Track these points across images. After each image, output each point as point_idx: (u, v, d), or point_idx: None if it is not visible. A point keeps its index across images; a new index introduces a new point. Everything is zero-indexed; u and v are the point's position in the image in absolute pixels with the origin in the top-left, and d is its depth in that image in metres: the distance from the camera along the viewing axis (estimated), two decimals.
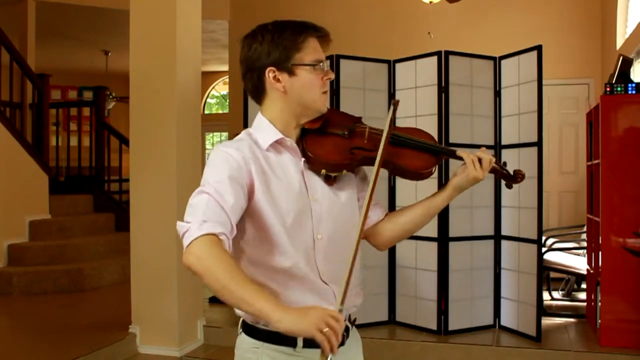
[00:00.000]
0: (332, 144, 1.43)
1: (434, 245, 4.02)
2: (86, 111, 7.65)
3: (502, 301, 4.14)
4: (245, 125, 4.10)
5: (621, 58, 4.02)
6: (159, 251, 3.93)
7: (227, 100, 9.57)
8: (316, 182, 1.42)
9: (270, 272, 1.37)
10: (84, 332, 4.04)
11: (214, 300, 5.09)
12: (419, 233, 4.48)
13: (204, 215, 1.26)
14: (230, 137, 1.54)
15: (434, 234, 4.01)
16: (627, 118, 3.77)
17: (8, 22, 6.49)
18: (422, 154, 1.49)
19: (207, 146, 12.65)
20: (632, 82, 3.86)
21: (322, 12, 6.90)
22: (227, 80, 9.14)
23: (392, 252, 4.26)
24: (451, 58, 4.06)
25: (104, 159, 7.00)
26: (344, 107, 4.12)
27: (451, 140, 4.02)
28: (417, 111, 4.15)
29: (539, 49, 3.84)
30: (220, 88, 12.17)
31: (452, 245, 4.04)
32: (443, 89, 4.04)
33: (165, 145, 3.92)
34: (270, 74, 1.39)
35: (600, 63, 6.15)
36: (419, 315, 4.14)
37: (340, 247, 1.42)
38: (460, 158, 1.49)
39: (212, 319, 4.39)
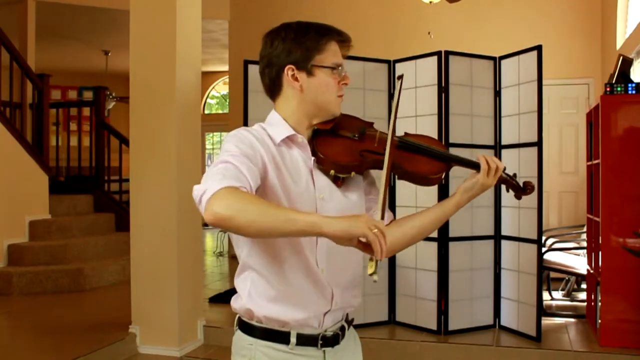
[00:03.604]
0: (342, 146, 1.45)
1: (434, 245, 4.03)
2: (86, 111, 7.65)
3: (502, 301, 4.14)
4: (246, 125, 4.09)
5: (621, 58, 4.02)
6: (159, 251, 3.93)
7: (227, 100, 9.57)
8: (324, 182, 1.42)
9: (276, 253, 1.36)
10: (84, 332, 4.04)
11: (214, 300, 5.09)
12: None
13: (223, 177, 1.21)
14: None
15: (434, 234, 4.01)
16: (627, 118, 3.77)
17: (8, 22, 6.49)
18: (432, 160, 1.50)
19: (207, 146, 12.66)
20: (632, 82, 3.86)
21: (322, 12, 6.90)
22: (227, 80, 9.14)
23: None
24: (451, 58, 4.06)
25: (104, 159, 7.00)
26: (344, 107, 4.11)
27: (451, 140, 4.02)
28: (417, 111, 4.15)
29: (539, 49, 3.84)
30: (220, 88, 12.18)
31: (452, 245, 4.04)
32: (443, 89, 4.04)
33: (165, 145, 3.92)
34: (289, 71, 1.40)
35: (600, 63, 6.15)
36: (419, 315, 4.14)
37: (344, 251, 1.40)
38: (475, 166, 1.48)
39: (212, 319, 4.39)
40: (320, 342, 1.41)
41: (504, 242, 4.14)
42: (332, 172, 1.42)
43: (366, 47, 5.76)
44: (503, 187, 1.58)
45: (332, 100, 1.44)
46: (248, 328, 1.41)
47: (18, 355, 3.62)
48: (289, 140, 1.41)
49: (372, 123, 1.54)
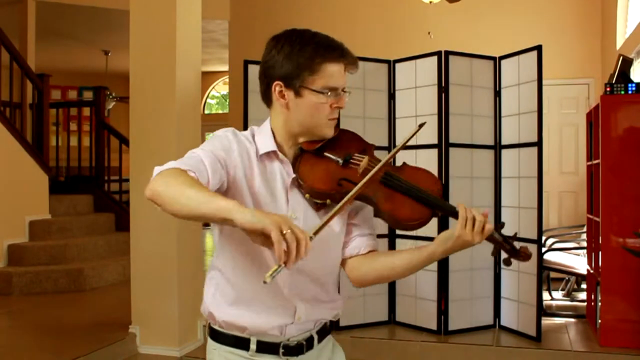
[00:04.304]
0: (323, 170, 1.34)
1: None
2: (86, 111, 7.65)
3: (502, 301, 4.13)
4: (245, 125, 4.09)
5: (621, 58, 4.02)
6: (159, 251, 3.92)
7: (227, 100, 9.57)
8: (300, 202, 1.35)
9: (236, 259, 1.36)
10: (84, 332, 4.04)
11: None
12: (419, 233, 4.46)
13: (180, 161, 1.22)
14: None
15: (434, 234, 4.00)
16: (627, 118, 3.77)
17: (8, 22, 6.49)
18: (415, 204, 1.32)
19: None
20: (632, 82, 3.86)
21: (322, 12, 6.90)
22: (227, 80, 9.14)
23: None
24: (451, 58, 4.06)
25: (104, 159, 7.00)
26: (344, 107, 4.12)
27: (451, 140, 4.02)
28: (417, 111, 4.15)
29: (539, 49, 3.84)
30: (220, 88, 12.18)
31: None
32: (443, 89, 4.04)
33: (165, 145, 3.92)
34: (277, 87, 1.32)
35: (600, 63, 6.15)
36: (419, 315, 4.14)
37: (314, 274, 1.36)
38: (456, 215, 1.28)
39: None
40: (282, 350, 1.37)
41: None
42: (307, 195, 1.34)
43: (366, 47, 5.76)
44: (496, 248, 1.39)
45: (320, 123, 1.34)
46: (213, 333, 1.41)
47: (18, 355, 3.62)
48: (272, 154, 1.36)
49: (372, 145, 1.42)
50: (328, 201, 1.34)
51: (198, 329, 4.14)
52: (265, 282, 1.04)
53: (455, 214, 1.29)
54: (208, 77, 11.38)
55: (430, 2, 5.49)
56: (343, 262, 1.43)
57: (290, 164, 1.37)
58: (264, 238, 1.04)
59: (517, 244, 1.38)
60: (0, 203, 5.43)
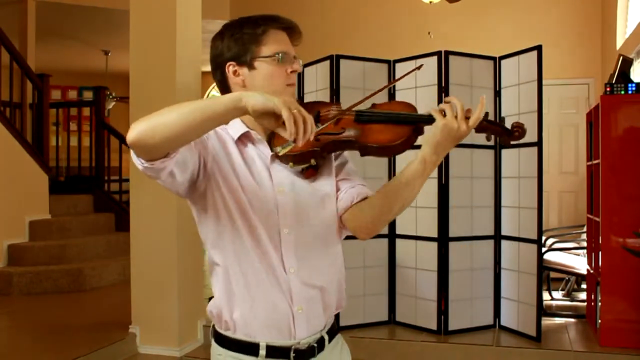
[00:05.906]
0: None
1: (434, 245, 4.02)
2: (86, 111, 7.65)
3: (502, 301, 4.14)
4: None
5: (621, 58, 4.02)
6: (159, 251, 3.93)
7: None
8: (284, 175, 1.35)
9: (236, 257, 1.33)
10: (84, 332, 4.04)
11: None
12: (419, 233, 4.43)
13: None
14: None
15: (434, 234, 4.01)
16: (627, 118, 3.77)
17: (8, 22, 6.49)
18: (393, 126, 1.33)
19: None
20: (632, 82, 3.86)
21: (323, 12, 6.90)
22: None
23: (392, 252, 4.26)
24: (451, 58, 4.06)
25: (104, 159, 7.00)
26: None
27: None
28: (417, 111, 4.14)
29: (539, 49, 3.84)
30: None
31: (452, 245, 4.04)
32: (443, 89, 4.04)
33: None
34: (229, 68, 1.36)
35: (600, 63, 6.15)
36: (419, 315, 4.14)
37: (314, 243, 1.34)
38: (431, 119, 1.28)
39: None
40: (293, 354, 1.32)
41: (504, 242, 4.13)
42: (290, 164, 1.33)
43: (366, 47, 5.76)
44: (486, 137, 1.39)
45: (279, 90, 1.32)
46: (219, 338, 1.37)
47: (18, 355, 3.62)
48: (244, 137, 1.36)
49: (338, 103, 1.44)
50: (312, 161, 1.33)
51: (198, 329, 4.15)
52: (277, 154, 1.23)
53: (433, 119, 1.28)
54: (208, 77, 11.37)
55: (430, 2, 5.49)
56: (343, 221, 1.38)
57: (266, 142, 1.36)
58: (275, 119, 1.09)
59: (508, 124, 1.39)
60: (0, 203, 5.44)
